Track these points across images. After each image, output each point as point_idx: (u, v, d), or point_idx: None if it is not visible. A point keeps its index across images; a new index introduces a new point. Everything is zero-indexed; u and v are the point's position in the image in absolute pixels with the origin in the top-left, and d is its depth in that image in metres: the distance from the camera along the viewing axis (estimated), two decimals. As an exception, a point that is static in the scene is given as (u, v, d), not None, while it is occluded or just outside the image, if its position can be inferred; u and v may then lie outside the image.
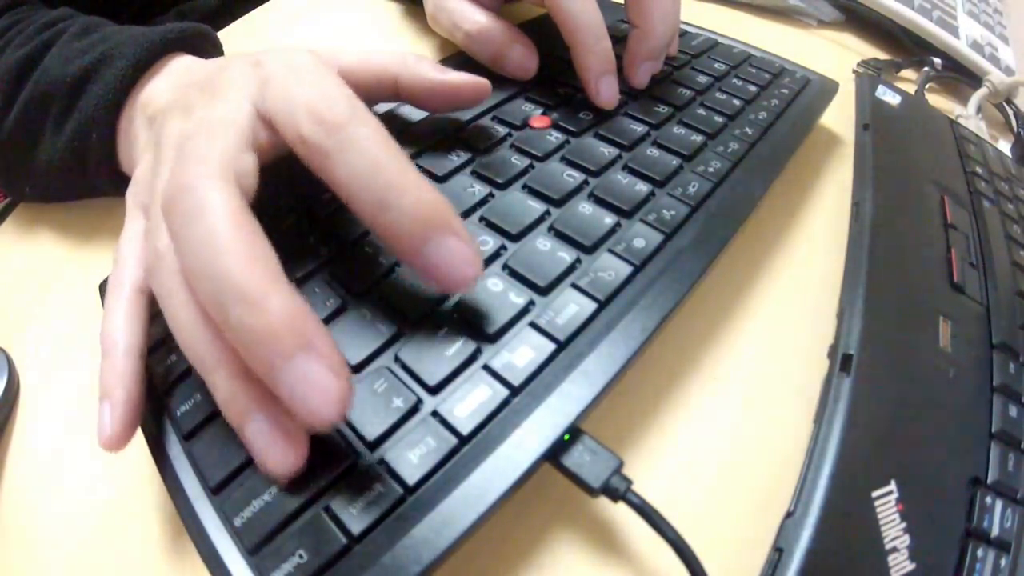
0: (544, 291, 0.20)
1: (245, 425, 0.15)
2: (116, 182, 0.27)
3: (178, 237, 0.16)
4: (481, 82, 0.25)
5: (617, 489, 0.17)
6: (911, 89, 0.39)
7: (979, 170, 0.32)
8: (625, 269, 0.21)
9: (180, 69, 0.26)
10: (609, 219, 0.23)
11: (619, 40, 0.29)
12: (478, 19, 0.29)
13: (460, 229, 0.17)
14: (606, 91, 0.28)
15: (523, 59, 0.29)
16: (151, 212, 0.18)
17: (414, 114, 0.27)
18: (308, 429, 0.15)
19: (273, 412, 0.15)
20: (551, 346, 0.19)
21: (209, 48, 0.30)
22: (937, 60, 0.42)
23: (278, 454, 0.15)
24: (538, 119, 0.27)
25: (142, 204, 0.21)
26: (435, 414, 0.17)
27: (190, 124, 0.19)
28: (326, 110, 0.17)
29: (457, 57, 0.32)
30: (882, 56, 0.42)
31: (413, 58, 0.25)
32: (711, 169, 0.26)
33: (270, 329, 0.14)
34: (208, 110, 0.19)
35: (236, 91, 0.20)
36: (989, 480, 0.19)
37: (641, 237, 0.22)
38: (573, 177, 0.24)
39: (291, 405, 0.14)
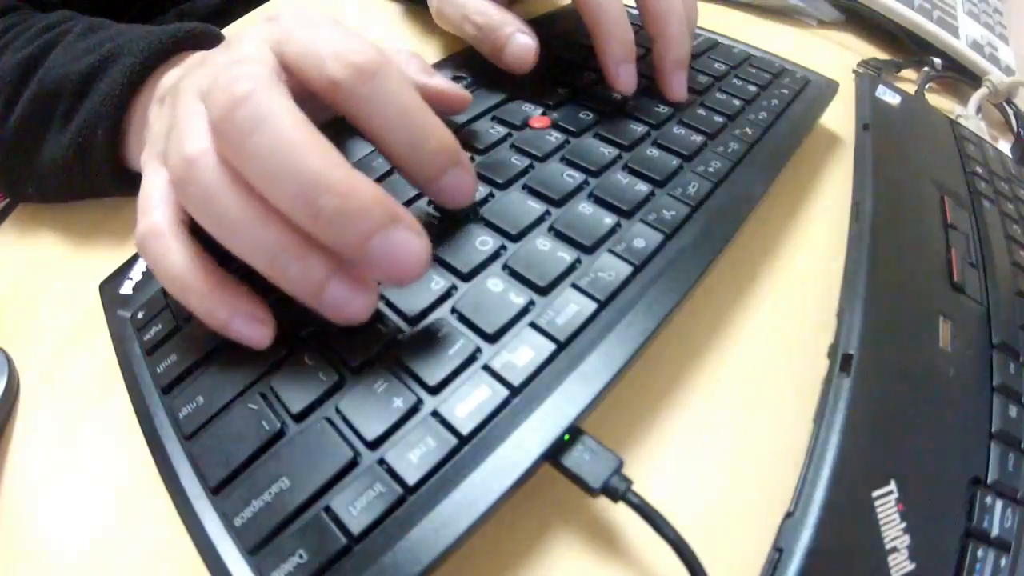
0: (544, 291, 0.20)
1: (325, 290, 0.17)
2: (118, 181, 0.27)
3: (243, 146, 0.16)
4: (463, 94, 0.25)
5: (617, 489, 0.17)
6: (911, 89, 0.39)
7: (979, 170, 0.32)
8: (625, 269, 0.21)
9: (193, 62, 0.26)
10: (609, 219, 0.23)
11: (637, 31, 0.29)
12: (485, 8, 0.29)
13: (466, 160, 0.20)
14: (625, 77, 0.28)
15: (522, 51, 0.28)
16: (169, 135, 0.19)
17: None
18: (395, 285, 0.18)
19: (346, 271, 0.17)
20: (551, 346, 0.19)
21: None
22: (937, 60, 0.42)
23: (361, 301, 0.17)
24: (538, 119, 0.27)
25: (158, 154, 0.21)
26: (435, 414, 0.17)
27: (214, 68, 0.20)
28: (358, 57, 0.18)
29: (456, 58, 0.32)
30: (882, 56, 0.42)
31: (405, 55, 0.25)
32: (711, 169, 0.26)
33: (363, 210, 0.16)
34: (229, 55, 0.20)
35: (254, 39, 0.20)
36: (989, 480, 0.19)
37: (641, 237, 0.22)
38: (573, 177, 0.24)
39: (383, 270, 0.17)
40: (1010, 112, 0.41)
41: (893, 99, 0.34)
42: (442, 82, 0.25)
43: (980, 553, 0.18)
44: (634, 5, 0.28)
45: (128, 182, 0.28)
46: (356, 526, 0.16)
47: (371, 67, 0.18)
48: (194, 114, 0.18)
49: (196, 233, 0.19)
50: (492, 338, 0.19)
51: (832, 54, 0.42)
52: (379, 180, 0.24)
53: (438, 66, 0.31)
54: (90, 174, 0.27)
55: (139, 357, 0.21)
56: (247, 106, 0.16)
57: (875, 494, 0.18)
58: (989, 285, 0.25)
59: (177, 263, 0.19)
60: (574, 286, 0.20)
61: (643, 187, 0.24)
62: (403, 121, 0.19)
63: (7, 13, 0.31)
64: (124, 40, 0.26)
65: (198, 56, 0.26)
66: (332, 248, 0.17)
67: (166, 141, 0.19)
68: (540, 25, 0.29)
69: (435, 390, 0.18)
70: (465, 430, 0.17)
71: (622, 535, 0.19)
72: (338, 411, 0.18)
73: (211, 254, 0.19)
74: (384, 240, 0.16)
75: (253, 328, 0.19)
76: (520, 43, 0.28)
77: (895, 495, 0.18)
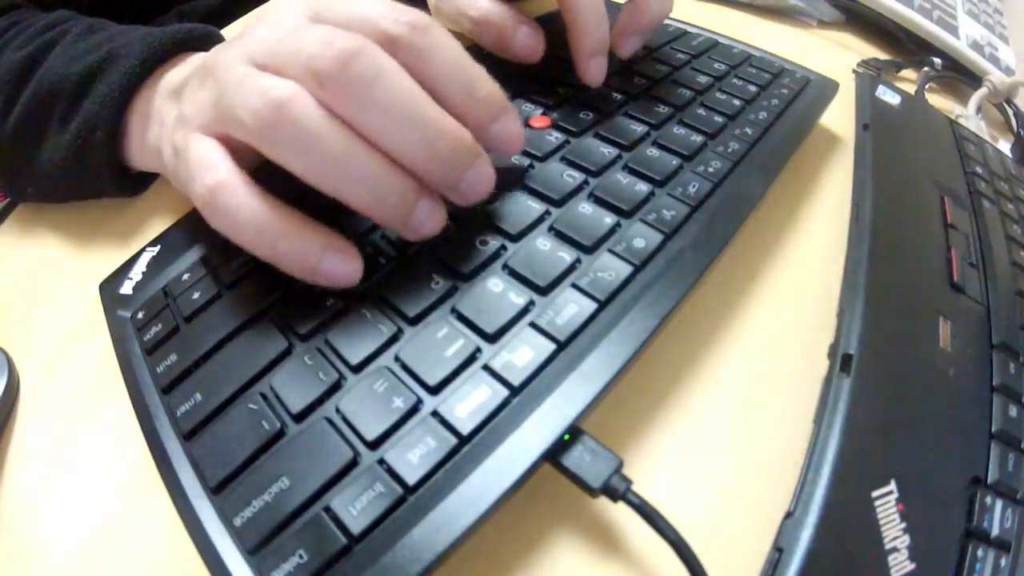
0: (544, 291, 0.20)
1: (415, 207, 0.20)
2: (118, 182, 0.27)
3: (364, 95, 0.18)
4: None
5: (617, 489, 0.17)
6: (911, 89, 0.39)
7: (979, 170, 0.32)
8: (625, 269, 0.21)
9: (195, 61, 0.26)
10: (609, 219, 0.23)
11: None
12: (483, 4, 0.29)
13: (514, 111, 0.22)
14: (595, 69, 0.28)
15: (528, 39, 0.28)
16: (230, 96, 0.19)
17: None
18: (469, 204, 0.21)
19: (429, 194, 0.20)
20: (551, 346, 0.19)
21: None
22: (937, 60, 0.42)
23: (441, 216, 0.20)
24: (538, 119, 0.27)
25: (200, 125, 0.21)
26: (435, 414, 0.17)
27: (267, 36, 0.20)
28: (410, 15, 0.20)
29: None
30: (882, 56, 0.42)
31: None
32: (711, 169, 0.26)
33: (466, 150, 0.20)
34: (268, 26, 0.20)
35: (291, 11, 0.20)
36: (989, 480, 0.19)
37: (641, 237, 0.22)
38: (573, 177, 0.24)
39: (465, 192, 0.20)
40: (1010, 112, 0.41)
41: (893, 99, 0.34)
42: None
43: (980, 553, 0.18)
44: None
45: (128, 183, 0.28)
46: (356, 526, 0.16)
47: (423, 22, 0.20)
48: (256, 73, 0.19)
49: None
50: (492, 338, 0.19)
51: (832, 54, 0.42)
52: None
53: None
54: (90, 175, 0.27)
55: (139, 357, 0.21)
56: (363, 60, 0.18)
57: (875, 494, 0.18)
58: (989, 285, 0.25)
59: (259, 210, 0.19)
60: (574, 286, 0.20)
61: (643, 187, 0.24)
62: (457, 70, 0.20)
63: (7, 12, 0.31)
64: (123, 41, 0.26)
65: (199, 56, 0.26)
66: (432, 180, 0.20)
67: (219, 106, 0.20)
68: (540, 25, 0.29)
69: (435, 390, 0.18)
70: (465, 430, 0.17)
71: (622, 535, 0.19)
72: (338, 411, 0.18)
73: None
74: (475, 172, 0.20)
75: (345, 262, 0.20)
76: (528, 32, 0.28)
77: (895, 495, 0.18)
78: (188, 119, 0.21)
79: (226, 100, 0.19)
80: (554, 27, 0.28)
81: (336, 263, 0.19)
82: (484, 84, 0.21)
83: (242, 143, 0.20)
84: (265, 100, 0.18)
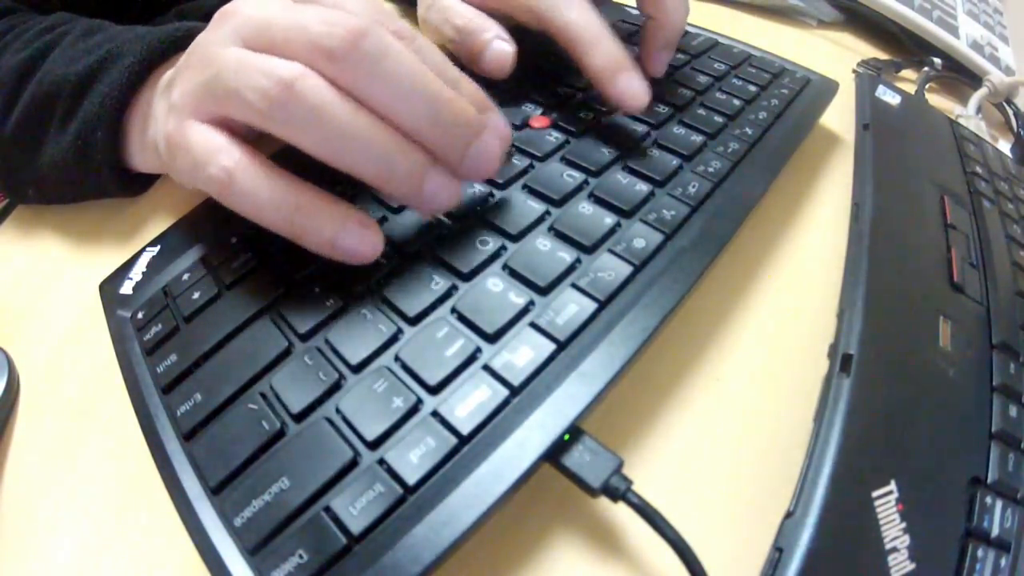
0: (544, 291, 0.20)
1: (427, 178, 0.20)
2: (119, 182, 0.27)
3: (374, 70, 0.19)
4: None
5: (617, 489, 0.17)
6: (911, 89, 0.39)
7: (979, 170, 0.32)
8: (625, 269, 0.21)
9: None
10: (609, 219, 0.23)
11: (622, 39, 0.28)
12: (468, 13, 0.29)
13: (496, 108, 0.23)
14: (626, 87, 0.26)
15: (499, 56, 0.28)
16: (230, 77, 0.19)
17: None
18: (478, 180, 0.23)
19: (438, 166, 0.20)
20: (551, 346, 0.19)
21: None
22: (937, 60, 0.42)
23: (454, 189, 0.21)
24: (538, 119, 0.27)
25: (194, 111, 0.21)
26: (435, 414, 0.17)
27: (242, 18, 0.20)
28: (394, 25, 0.21)
29: (451, 58, 0.32)
30: (882, 56, 0.42)
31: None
32: (711, 169, 0.26)
33: (470, 121, 0.20)
34: (252, 7, 0.20)
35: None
36: (989, 480, 0.19)
37: (641, 237, 0.22)
38: (573, 177, 0.24)
39: (473, 164, 0.21)
40: (1010, 112, 0.41)
41: (893, 99, 0.34)
42: None
43: (980, 553, 0.18)
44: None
45: (129, 183, 0.28)
46: (356, 526, 0.16)
47: (409, 32, 0.21)
48: (254, 55, 0.19)
49: None
50: (492, 338, 0.19)
51: (832, 54, 0.42)
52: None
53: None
54: (90, 175, 0.27)
55: (139, 357, 0.21)
56: (372, 37, 0.19)
57: (875, 494, 0.18)
58: (989, 285, 0.25)
59: (278, 187, 0.19)
60: (574, 286, 0.20)
61: (643, 187, 0.24)
62: (440, 69, 0.21)
63: (5, 15, 0.31)
64: (122, 41, 0.26)
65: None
66: (439, 151, 0.20)
67: (214, 89, 0.20)
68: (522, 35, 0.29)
69: (435, 390, 0.18)
70: (465, 430, 0.17)
71: (622, 535, 0.19)
72: (338, 411, 0.18)
73: None
74: (480, 143, 0.20)
75: (365, 236, 0.20)
76: (498, 49, 0.28)
77: (895, 495, 0.18)
78: (179, 106, 0.21)
79: (225, 82, 0.19)
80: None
81: (355, 237, 0.20)
82: (467, 83, 0.22)
83: (238, 125, 0.20)
84: (273, 80, 0.18)
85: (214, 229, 0.24)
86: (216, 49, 0.20)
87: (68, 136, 0.26)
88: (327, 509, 0.16)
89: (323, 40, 0.19)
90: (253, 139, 0.20)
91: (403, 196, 0.20)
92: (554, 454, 0.17)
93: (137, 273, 0.24)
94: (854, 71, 0.38)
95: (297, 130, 0.19)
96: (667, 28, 0.29)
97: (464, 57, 0.29)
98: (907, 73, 0.42)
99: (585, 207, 0.23)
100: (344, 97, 0.19)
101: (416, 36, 0.21)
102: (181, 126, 0.21)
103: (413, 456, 0.17)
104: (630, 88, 0.26)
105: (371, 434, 0.17)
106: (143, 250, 0.25)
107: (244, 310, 0.21)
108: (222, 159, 0.19)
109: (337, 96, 0.19)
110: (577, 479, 0.17)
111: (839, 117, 0.34)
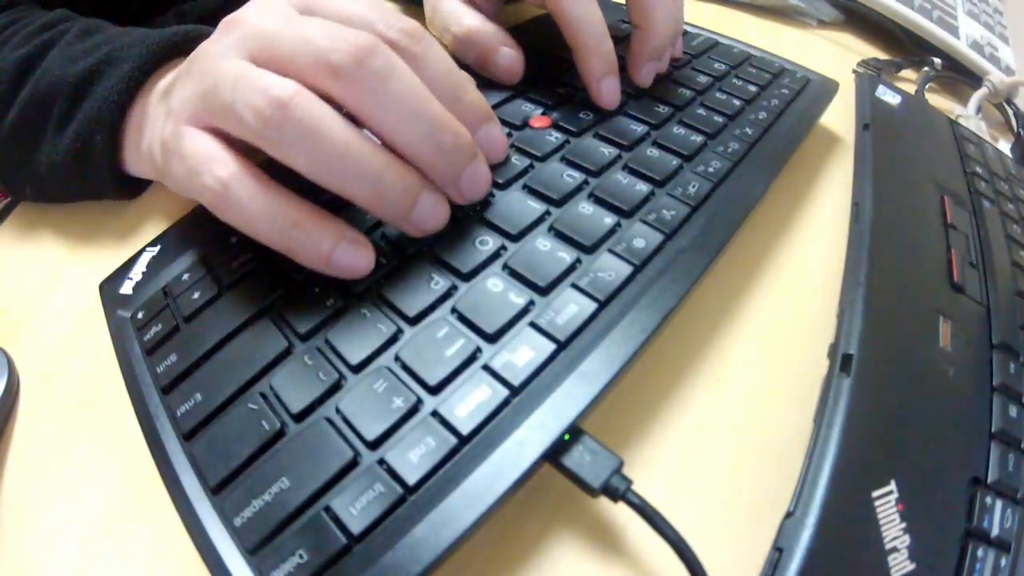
0: (544, 291, 0.20)
1: (419, 199, 0.20)
2: (118, 185, 0.27)
3: (379, 89, 0.19)
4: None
5: (617, 489, 0.17)
6: (911, 89, 0.39)
7: (979, 170, 0.32)
8: (625, 269, 0.21)
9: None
10: (609, 219, 0.23)
11: (620, 40, 0.29)
12: (467, 22, 0.29)
13: (496, 118, 0.24)
14: (607, 92, 0.28)
15: (510, 64, 0.29)
16: (227, 90, 0.19)
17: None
18: (468, 203, 0.22)
19: (432, 188, 0.21)
20: (551, 346, 0.19)
21: None
22: (937, 60, 0.42)
23: (444, 211, 0.21)
24: (538, 119, 0.27)
25: (190, 118, 0.21)
26: (435, 414, 0.17)
27: (247, 28, 0.20)
28: (403, 23, 0.21)
29: (455, 58, 0.32)
30: (882, 56, 0.42)
31: None
32: (711, 169, 0.26)
33: (467, 146, 0.21)
34: (257, 17, 0.20)
35: (278, 2, 0.21)
36: (989, 480, 0.19)
37: (641, 237, 0.22)
38: (573, 177, 0.24)
39: (465, 188, 0.21)
40: (1010, 112, 0.41)
41: (893, 99, 0.34)
42: None
43: (980, 553, 0.18)
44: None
45: (127, 186, 0.28)
46: (356, 526, 0.16)
47: (418, 30, 0.21)
48: (253, 69, 0.19)
49: None
50: (492, 338, 0.19)
51: (832, 54, 0.42)
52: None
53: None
54: (89, 178, 0.26)
55: (139, 357, 0.21)
56: (379, 57, 0.19)
57: (875, 494, 0.18)
58: (989, 285, 0.25)
59: (273, 200, 0.19)
60: (574, 286, 0.20)
61: (643, 187, 0.24)
62: (447, 77, 0.22)
63: (5, 9, 0.31)
64: (121, 44, 0.26)
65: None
66: (435, 173, 0.21)
67: (211, 100, 0.20)
68: (539, 25, 0.29)
69: (435, 390, 0.18)
70: (465, 430, 0.17)
71: (622, 535, 0.19)
72: (338, 411, 0.18)
73: None
74: (474, 169, 0.21)
75: (359, 252, 0.20)
76: (508, 55, 0.28)
77: (895, 495, 0.18)
78: (176, 112, 0.21)
79: (221, 96, 0.19)
80: (555, 28, 0.28)
81: (349, 254, 0.20)
82: (470, 92, 0.22)
83: (234, 137, 0.20)
84: (267, 99, 0.18)
85: (214, 229, 0.24)
86: (217, 60, 0.20)
87: (66, 138, 0.26)
88: (327, 509, 0.16)
89: (328, 56, 0.19)
90: (250, 148, 0.20)
91: (392, 219, 0.21)
92: (554, 454, 0.17)
93: (137, 273, 0.24)
94: (854, 71, 0.38)
95: (289, 150, 0.19)
96: (653, 39, 0.28)
97: (471, 61, 0.29)
98: (907, 73, 0.42)
99: (585, 207, 0.23)
100: (337, 118, 0.19)
101: (424, 36, 0.21)
102: (177, 132, 0.21)
103: (413, 456, 0.17)
104: (610, 92, 0.28)
105: (371, 434, 0.17)
106: (143, 250, 0.25)
107: (244, 310, 0.21)
108: (217, 169, 0.19)
109: (333, 118, 0.19)
110: (577, 479, 0.17)
111: (839, 117, 0.34)
